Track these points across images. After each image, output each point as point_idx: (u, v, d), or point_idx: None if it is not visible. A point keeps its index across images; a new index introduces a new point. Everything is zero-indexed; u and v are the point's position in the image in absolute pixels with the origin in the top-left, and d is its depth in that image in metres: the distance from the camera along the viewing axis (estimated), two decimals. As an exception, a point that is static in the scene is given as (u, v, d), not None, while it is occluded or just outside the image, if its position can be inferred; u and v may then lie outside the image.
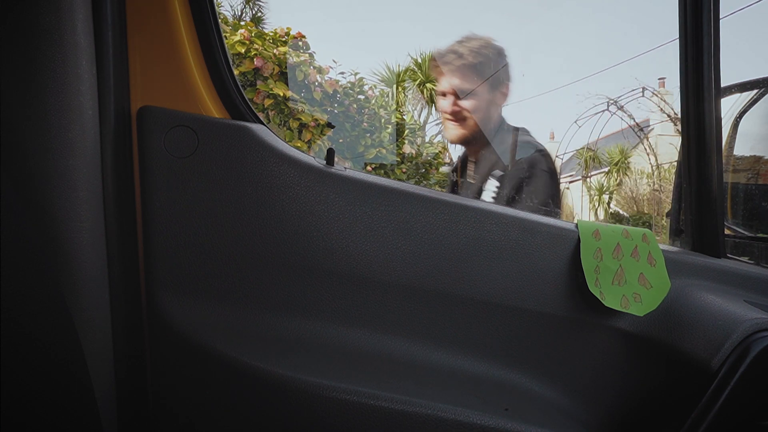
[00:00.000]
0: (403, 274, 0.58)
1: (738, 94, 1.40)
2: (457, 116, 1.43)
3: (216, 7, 0.61)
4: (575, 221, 0.67)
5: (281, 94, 3.43)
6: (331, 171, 0.59)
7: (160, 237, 0.56)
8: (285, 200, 0.56)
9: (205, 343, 0.53)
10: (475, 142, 1.46)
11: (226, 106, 0.58)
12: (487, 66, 1.46)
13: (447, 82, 1.43)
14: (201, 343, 0.53)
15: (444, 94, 1.44)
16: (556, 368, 0.61)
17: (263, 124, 0.60)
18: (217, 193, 0.55)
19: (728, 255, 0.76)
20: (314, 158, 0.60)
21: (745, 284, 0.66)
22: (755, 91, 1.38)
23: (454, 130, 1.44)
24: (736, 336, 0.54)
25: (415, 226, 0.58)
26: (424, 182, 5.62)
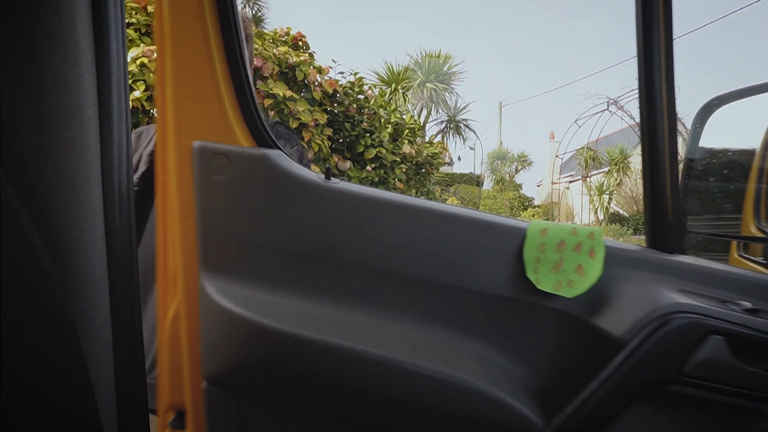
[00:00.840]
0: (384, 263, 0.75)
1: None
2: None
3: (245, 47, 0.79)
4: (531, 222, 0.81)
5: (281, 94, 3.43)
6: (329, 185, 0.76)
7: (204, 234, 0.75)
8: (294, 208, 0.75)
9: (241, 313, 0.72)
10: None
11: (253, 134, 0.77)
12: (250, 41, 1.32)
13: None
14: (239, 312, 0.72)
15: None
16: (504, 338, 0.75)
17: (280, 149, 0.78)
18: (243, 204, 0.75)
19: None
20: (316, 175, 0.78)
21: (690, 276, 0.74)
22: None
23: None
24: (648, 315, 0.66)
25: (393, 226, 0.76)
26: (424, 181, 5.62)
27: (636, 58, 0.84)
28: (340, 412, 0.72)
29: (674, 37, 0.81)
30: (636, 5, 0.78)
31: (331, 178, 0.77)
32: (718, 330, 0.63)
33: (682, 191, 0.85)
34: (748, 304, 0.67)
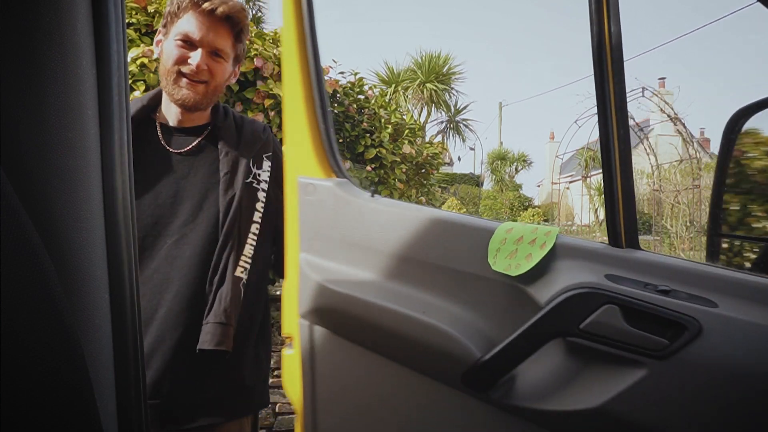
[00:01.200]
0: (405, 251, 1.11)
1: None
2: (202, 76, 1.27)
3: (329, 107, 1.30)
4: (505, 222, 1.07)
5: (281, 95, 3.41)
6: (372, 201, 1.16)
7: (303, 232, 1.19)
8: (350, 215, 1.16)
9: (316, 278, 1.15)
10: (202, 111, 1.33)
11: (331, 167, 1.20)
12: (245, 35, 1.36)
13: (208, 31, 1.25)
14: (315, 277, 1.15)
15: (192, 44, 1.25)
16: (471, 300, 1.05)
17: (346, 177, 1.20)
18: (323, 213, 1.18)
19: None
20: (365, 193, 1.17)
21: (627, 266, 0.93)
22: None
23: (195, 91, 1.27)
24: (564, 289, 0.90)
25: (414, 227, 1.11)
26: (424, 182, 5.61)
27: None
28: (373, 340, 1.11)
29: (626, 58, 0.96)
30: (590, 34, 0.98)
31: (375, 195, 1.19)
32: (613, 300, 0.86)
33: (715, 200, 0.88)
34: (664, 287, 0.87)
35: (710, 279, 0.87)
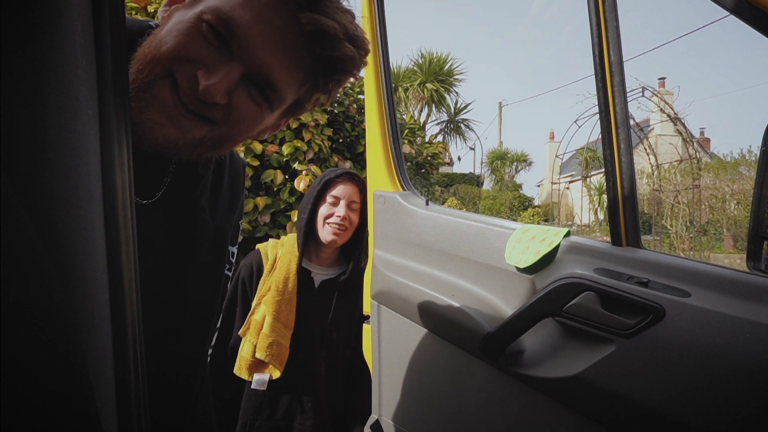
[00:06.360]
0: (447, 247, 1.39)
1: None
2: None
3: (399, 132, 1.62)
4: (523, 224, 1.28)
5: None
6: (426, 209, 1.48)
7: (375, 233, 1.58)
8: (409, 221, 1.48)
9: (382, 269, 1.54)
10: None
11: (399, 182, 1.58)
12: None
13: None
14: (381, 268, 1.54)
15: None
16: (491, 285, 1.30)
17: (409, 190, 1.56)
18: (388, 219, 1.55)
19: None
20: (421, 203, 1.50)
21: (618, 261, 1.07)
22: None
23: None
24: (556, 277, 1.09)
25: (458, 231, 1.38)
26: (425, 181, 5.61)
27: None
28: (418, 316, 1.39)
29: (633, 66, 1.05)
30: (592, 48, 1.07)
31: (428, 203, 1.48)
32: (591, 288, 1.02)
33: (757, 201, 0.92)
34: (644, 279, 0.99)
35: (691, 273, 0.98)
